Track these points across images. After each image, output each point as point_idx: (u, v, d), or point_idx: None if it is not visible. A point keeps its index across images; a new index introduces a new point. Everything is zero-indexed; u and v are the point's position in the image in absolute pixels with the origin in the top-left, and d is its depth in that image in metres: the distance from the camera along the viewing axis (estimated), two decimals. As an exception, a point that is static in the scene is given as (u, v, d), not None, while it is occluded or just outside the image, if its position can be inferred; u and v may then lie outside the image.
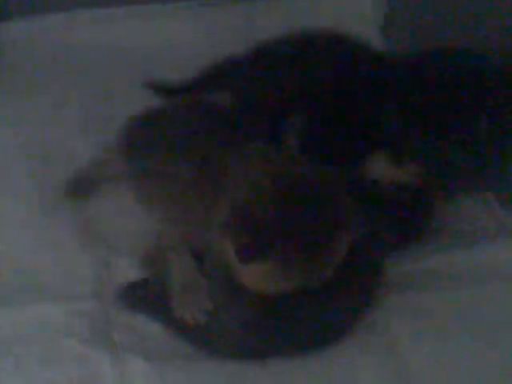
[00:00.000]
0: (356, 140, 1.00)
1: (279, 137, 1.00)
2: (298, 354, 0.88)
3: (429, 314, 0.94)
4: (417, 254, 0.99)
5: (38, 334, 0.92)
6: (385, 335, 0.92)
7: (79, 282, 0.97)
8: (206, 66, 1.17)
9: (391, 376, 0.88)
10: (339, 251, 0.81)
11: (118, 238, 1.02)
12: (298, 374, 0.88)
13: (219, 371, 0.89)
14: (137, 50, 1.26)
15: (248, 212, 0.78)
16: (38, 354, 0.90)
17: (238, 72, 1.13)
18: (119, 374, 0.88)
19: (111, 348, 0.91)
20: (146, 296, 0.94)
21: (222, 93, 1.10)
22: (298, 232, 0.77)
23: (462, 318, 0.93)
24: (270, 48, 1.11)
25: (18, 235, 1.02)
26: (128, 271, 0.97)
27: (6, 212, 1.04)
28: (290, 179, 0.79)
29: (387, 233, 0.92)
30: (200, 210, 0.86)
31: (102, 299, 0.95)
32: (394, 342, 0.91)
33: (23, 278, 0.97)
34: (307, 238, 0.78)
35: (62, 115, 1.18)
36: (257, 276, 0.81)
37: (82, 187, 1.06)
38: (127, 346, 0.91)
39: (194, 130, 0.93)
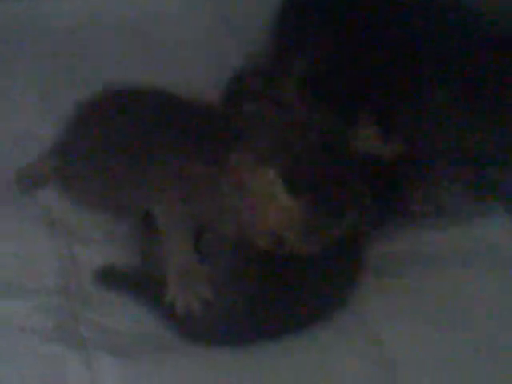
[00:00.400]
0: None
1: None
2: (287, 334, 0.87)
3: (407, 298, 0.93)
4: (394, 235, 0.98)
5: (-3, 332, 0.87)
6: (364, 322, 0.91)
7: (42, 274, 0.92)
8: None
9: (373, 363, 0.87)
10: (350, 225, 0.84)
11: (82, 226, 0.97)
12: (279, 361, 0.86)
13: (193, 367, 0.86)
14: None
15: (294, 150, 0.82)
16: (-3, 354, 0.86)
17: None
18: (89, 373, 0.84)
19: (79, 345, 0.86)
20: (126, 277, 0.92)
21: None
22: (333, 184, 0.82)
23: (443, 301, 0.93)
24: None
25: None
26: (95, 263, 0.93)
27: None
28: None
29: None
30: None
31: (68, 293, 0.91)
32: (373, 329, 0.90)
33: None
34: (340, 193, 0.83)
35: (22, 98, 1.13)
36: (283, 214, 0.81)
37: (30, 181, 1.02)
38: (97, 343, 0.87)
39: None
